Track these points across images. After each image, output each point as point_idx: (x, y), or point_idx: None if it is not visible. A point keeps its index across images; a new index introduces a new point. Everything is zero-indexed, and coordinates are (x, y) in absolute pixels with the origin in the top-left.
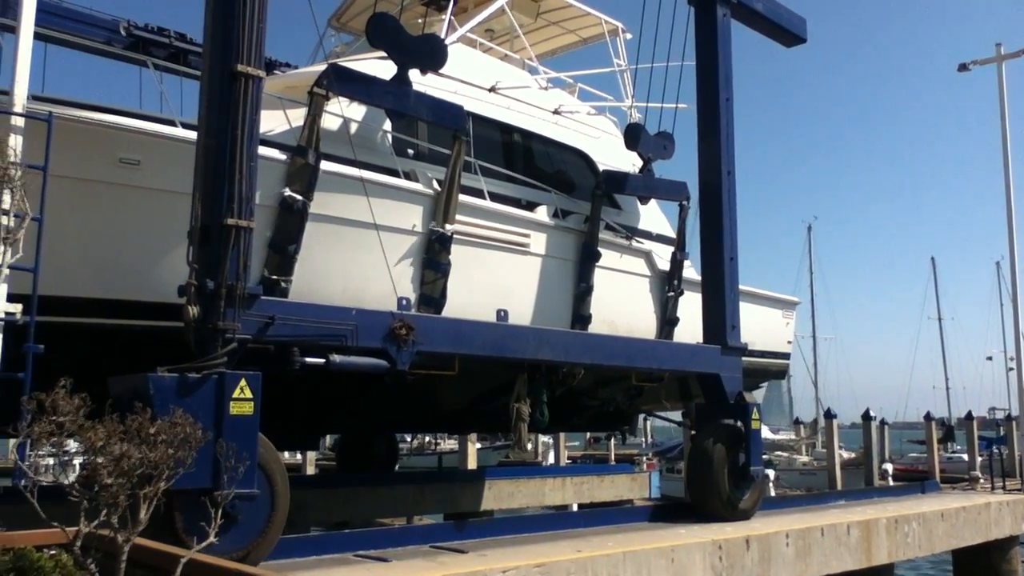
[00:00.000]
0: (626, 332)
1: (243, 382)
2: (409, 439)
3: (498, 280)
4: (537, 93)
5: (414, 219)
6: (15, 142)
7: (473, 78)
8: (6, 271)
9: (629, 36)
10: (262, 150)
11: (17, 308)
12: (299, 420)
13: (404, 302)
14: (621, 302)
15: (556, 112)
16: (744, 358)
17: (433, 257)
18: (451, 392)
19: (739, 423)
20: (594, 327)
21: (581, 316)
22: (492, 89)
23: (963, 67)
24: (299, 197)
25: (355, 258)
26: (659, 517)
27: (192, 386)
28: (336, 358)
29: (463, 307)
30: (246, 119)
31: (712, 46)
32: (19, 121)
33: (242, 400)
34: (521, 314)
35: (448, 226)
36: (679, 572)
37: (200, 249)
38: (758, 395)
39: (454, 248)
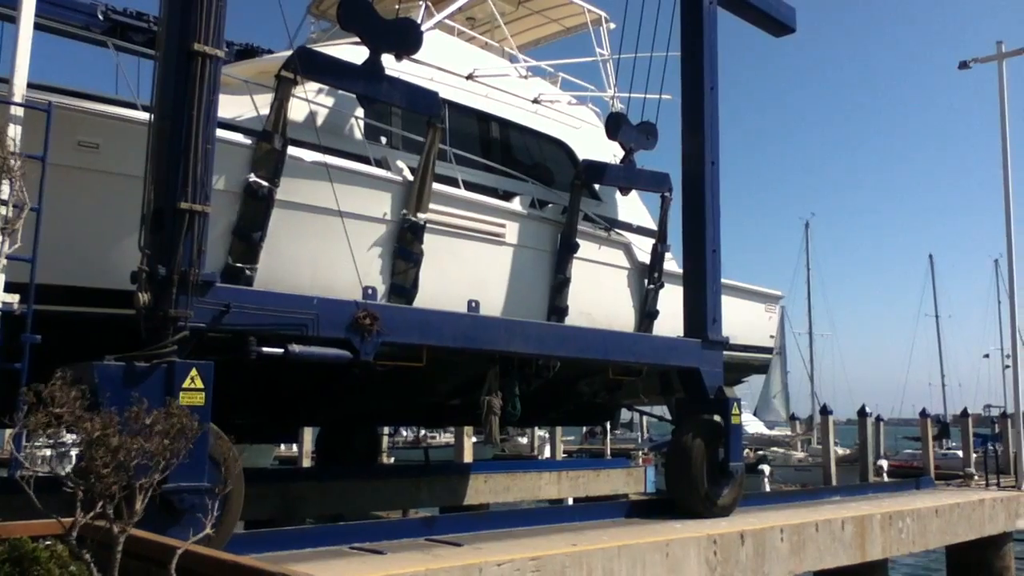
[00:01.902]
0: (604, 325)
1: (194, 371)
2: (404, 433)
3: (472, 271)
4: (516, 82)
5: (385, 207)
6: (14, 132)
7: (450, 65)
8: (4, 261)
9: (613, 26)
10: (227, 134)
11: (15, 299)
12: (269, 411)
13: (370, 291)
14: (599, 294)
15: (536, 101)
16: (725, 352)
17: (405, 246)
18: (424, 384)
19: (719, 418)
20: (571, 320)
21: (558, 308)
22: (470, 77)
23: (963, 65)
24: (265, 183)
25: (324, 247)
26: (637, 514)
27: (140, 375)
28: (296, 348)
29: (436, 297)
30: (203, 100)
31: (698, 33)
32: (18, 111)
33: (193, 390)
34: (496, 305)
35: (421, 215)
36: (674, 566)
37: (153, 234)
38: (740, 390)
39: (427, 237)
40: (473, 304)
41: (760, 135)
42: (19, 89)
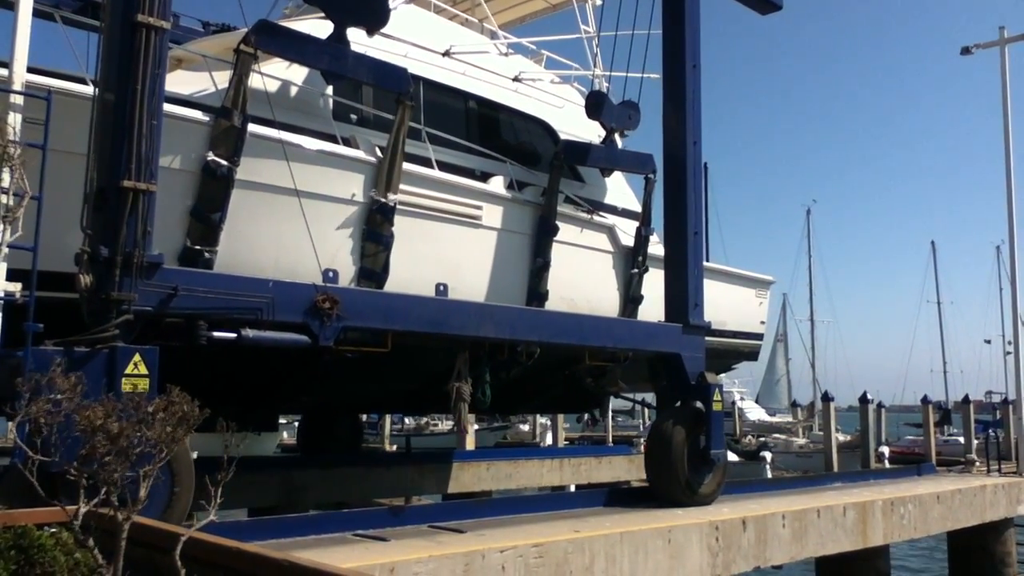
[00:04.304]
0: (587, 310)
1: (137, 357)
2: (407, 420)
3: (447, 254)
4: (496, 59)
5: (353, 188)
6: (14, 120)
7: (425, 41)
8: (5, 250)
9: (599, 2)
10: (184, 111)
11: (17, 287)
12: (234, 399)
13: (331, 274)
14: (581, 279)
15: (516, 79)
16: (715, 338)
17: (374, 228)
18: (391, 371)
19: (701, 404)
20: (552, 305)
21: (537, 293)
22: (446, 53)
23: (966, 50)
24: (224, 162)
25: (288, 228)
26: (615, 502)
27: (79, 361)
28: (249, 333)
29: (410, 282)
30: (148, 74)
31: (680, 9)
32: (18, 99)
33: (136, 376)
34: (473, 290)
35: (391, 196)
36: (676, 553)
37: (95, 213)
38: (742, 377)
39: (399, 220)
40: (441, 288)
41: (762, 122)
42: (19, 77)
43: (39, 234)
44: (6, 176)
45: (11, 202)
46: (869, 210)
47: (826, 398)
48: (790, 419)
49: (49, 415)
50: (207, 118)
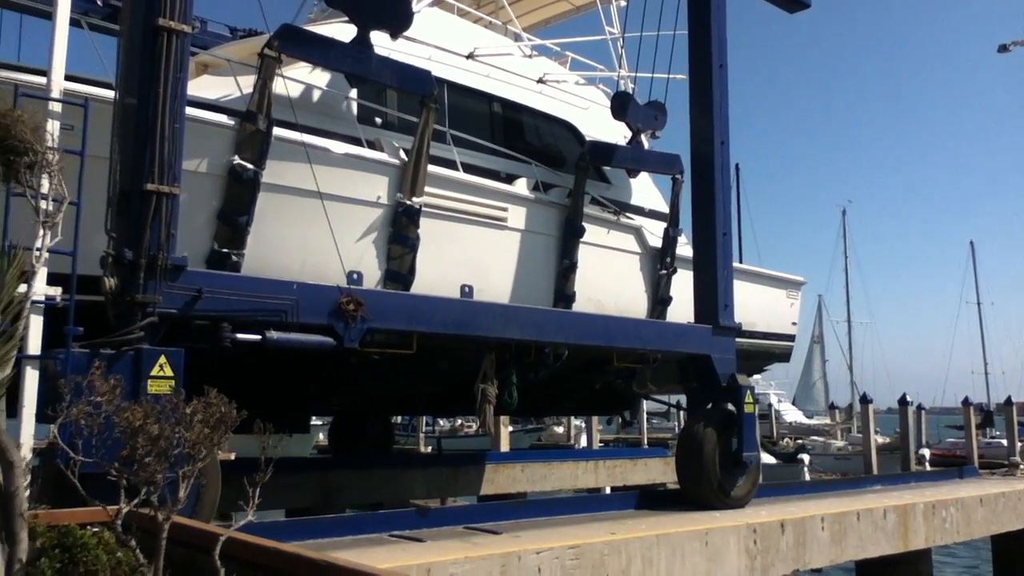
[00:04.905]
0: (614, 312)
1: (162, 359)
2: (441, 422)
3: (473, 256)
4: (520, 61)
5: (378, 191)
6: (52, 127)
7: (449, 44)
8: (46, 254)
9: (623, 3)
10: (210, 115)
11: (57, 291)
12: (261, 401)
13: (355, 276)
14: (609, 280)
15: (541, 81)
16: (746, 340)
17: (400, 231)
18: (417, 373)
19: (732, 406)
20: (579, 306)
21: (564, 295)
22: (470, 56)
23: (1003, 48)
24: (249, 166)
25: (315, 231)
26: (649, 504)
27: (104, 363)
28: (274, 335)
29: (435, 284)
30: (170, 77)
31: (706, 8)
32: (56, 106)
33: (161, 378)
34: (499, 292)
35: (416, 198)
36: (713, 556)
37: (119, 217)
38: (778, 379)
39: (424, 222)
40: (466, 289)
41: (797, 121)
42: (57, 84)
43: (78, 239)
44: (45, 182)
45: (51, 207)
46: (907, 210)
47: (864, 400)
48: (828, 421)
49: (89, 417)
50: (232, 122)
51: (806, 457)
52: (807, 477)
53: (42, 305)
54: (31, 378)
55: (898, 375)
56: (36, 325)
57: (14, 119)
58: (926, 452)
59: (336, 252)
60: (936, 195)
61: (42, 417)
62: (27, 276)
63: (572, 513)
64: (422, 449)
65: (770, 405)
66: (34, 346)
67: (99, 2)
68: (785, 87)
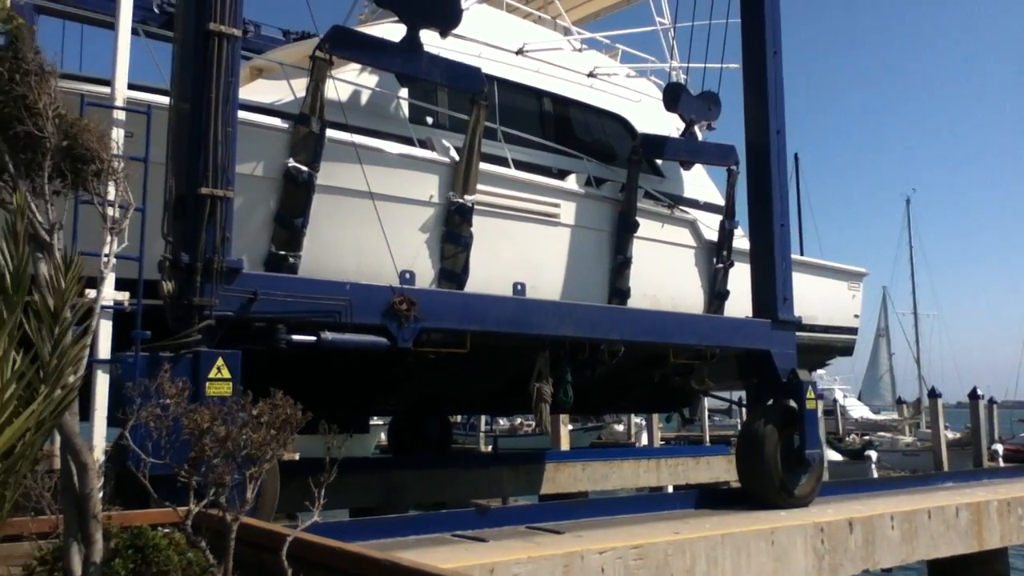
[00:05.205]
0: (670, 307)
1: (220, 361)
2: (501, 421)
3: (526, 253)
4: (570, 55)
5: (431, 190)
6: (117, 135)
7: (498, 41)
8: (113, 260)
9: None
10: (264, 119)
11: (125, 296)
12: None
13: (407, 275)
14: (664, 275)
15: (591, 75)
16: (807, 333)
17: (453, 229)
18: (471, 372)
19: (793, 403)
20: (634, 302)
21: (619, 290)
22: (520, 52)
23: None
24: (304, 168)
25: (370, 232)
26: (712, 503)
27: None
28: (328, 335)
29: (488, 282)
30: (221, 81)
31: None
32: (120, 114)
33: (219, 380)
34: (553, 289)
35: (468, 196)
36: (779, 555)
37: (175, 221)
38: (843, 373)
39: (477, 220)
40: (519, 287)
41: (861, 109)
42: (120, 93)
43: (144, 244)
44: (111, 189)
45: (117, 214)
46: (976, 199)
47: (933, 394)
48: (895, 416)
49: (157, 419)
50: (286, 125)
51: (873, 454)
52: (875, 474)
53: (111, 310)
54: (102, 381)
55: (968, 368)
56: (105, 329)
57: (81, 128)
58: (999, 447)
59: (396, 251)
60: (1005, 182)
61: (111, 420)
62: (95, 281)
63: (634, 512)
64: (482, 448)
65: (835, 400)
66: (104, 350)
67: (156, 9)
68: (851, 73)
